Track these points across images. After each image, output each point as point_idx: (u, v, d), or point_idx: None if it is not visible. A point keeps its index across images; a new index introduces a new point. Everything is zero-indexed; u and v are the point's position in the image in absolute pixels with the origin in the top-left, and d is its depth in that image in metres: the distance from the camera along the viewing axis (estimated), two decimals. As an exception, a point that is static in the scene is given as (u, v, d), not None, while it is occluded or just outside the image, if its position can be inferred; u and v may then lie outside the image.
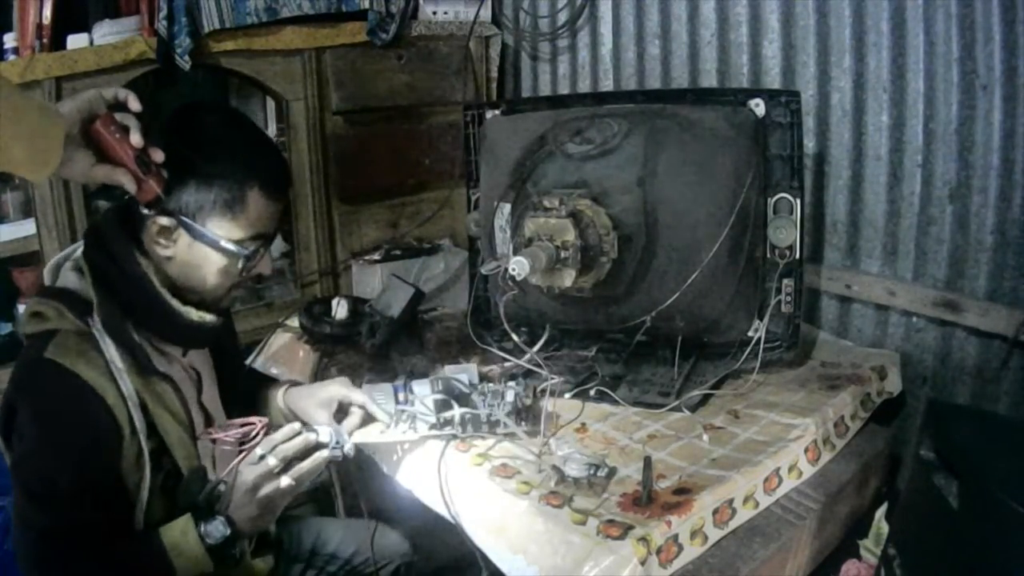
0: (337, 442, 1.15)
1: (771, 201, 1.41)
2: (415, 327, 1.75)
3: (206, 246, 1.07)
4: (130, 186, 0.99)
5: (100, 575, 1.00)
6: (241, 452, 1.09)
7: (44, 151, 0.89)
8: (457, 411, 1.25)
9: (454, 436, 1.25)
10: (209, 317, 1.12)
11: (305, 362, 1.72)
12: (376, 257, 2.09)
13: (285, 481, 1.06)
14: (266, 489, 1.06)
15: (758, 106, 1.40)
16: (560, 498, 1.10)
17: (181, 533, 1.01)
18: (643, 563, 0.98)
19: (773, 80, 1.75)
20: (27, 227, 1.77)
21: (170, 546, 1.00)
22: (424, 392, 1.29)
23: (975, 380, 1.50)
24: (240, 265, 1.09)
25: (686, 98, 1.49)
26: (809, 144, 1.66)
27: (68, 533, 0.97)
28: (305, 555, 1.43)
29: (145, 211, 1.04)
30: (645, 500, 1.08)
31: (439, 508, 1.23)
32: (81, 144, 0.95)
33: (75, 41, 1.73)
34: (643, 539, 1.00)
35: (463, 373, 1.38)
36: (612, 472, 1.16)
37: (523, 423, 1.27)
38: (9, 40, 1.69)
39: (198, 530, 1.01)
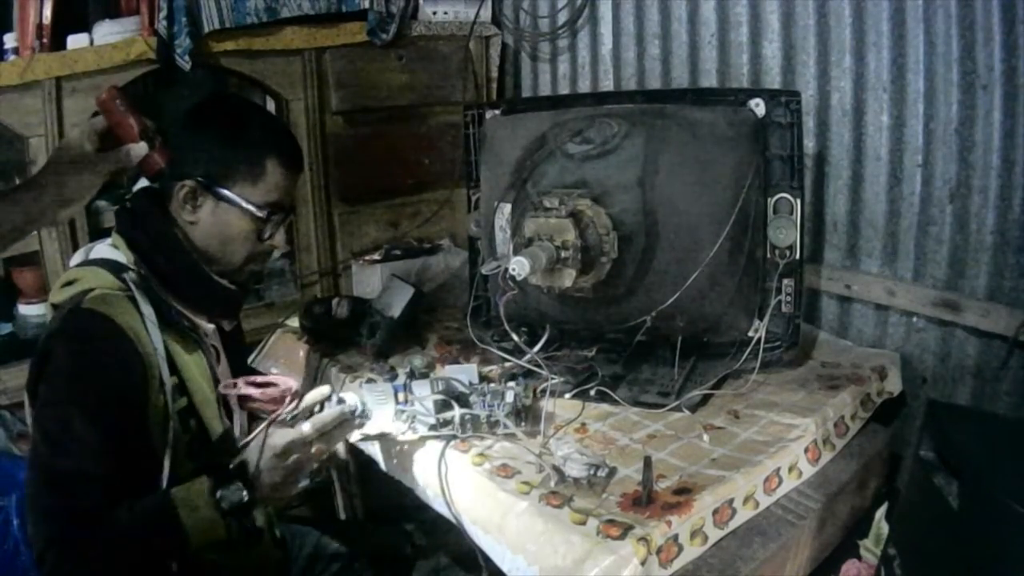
0: (363, 410, 1.18)
1: (771, 201, 1.41)
2: (415, 327, 1.75)
3: (230, 208, 1.15)
4: (138, 153, 1.07)
5: (106, 527, 0.96)
6: (272, 414, 1.11)
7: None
8: (457, 412, 1.25)
9: (454, 436, 1.25)
10: (234, 287, 1.20)
11: (305, 362, 1.73)
12: (376, 257, 2.09)
13: (316, 446, 1.08)
14: (296, 455, 1.06)
15: (758, 106, 1.40)
16: (560, 498, 1.10)
17: (196, 493, 0.99)
18: (643, 563, 0.98)
19: (773, 80, 1.75)
20: (27, 227, 1.77)
21: (181, 503, 0.97)
22: (424, 393, 1.29)
23: (975, 380, 1.50)
24: (259, 231, 1.17)
25: (686, 98, 1.49)
26: (809, 144, 1.66)
27: (78, 481, 0.95)
28: (306, 558, 1.43)
29: (177, 181, 1.13)
30: (645, 500, 1.08)
31: (439, 508, 1.24)
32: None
33: (75, 41, 1.73)
34: (643, 539, 1.00)
35: (463, 373, 1.38)
36: (612, 472, 1.16)
37: (523, 423, 1.27)
38: (9, 40, 1.70)
39: (215, 494, 0.99)
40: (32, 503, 0.97)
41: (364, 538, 1.47)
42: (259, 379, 1.24)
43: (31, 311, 1.91)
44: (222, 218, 1.16)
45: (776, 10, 1.71)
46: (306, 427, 1.07)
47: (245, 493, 1.00)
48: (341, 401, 1.17)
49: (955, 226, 1.49)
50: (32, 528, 0.95)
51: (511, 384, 1.33)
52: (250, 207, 1.15)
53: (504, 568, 1.12)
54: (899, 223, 1.59)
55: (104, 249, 1.15)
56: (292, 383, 1.22)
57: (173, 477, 1.03)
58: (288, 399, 1.16)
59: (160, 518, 0.97)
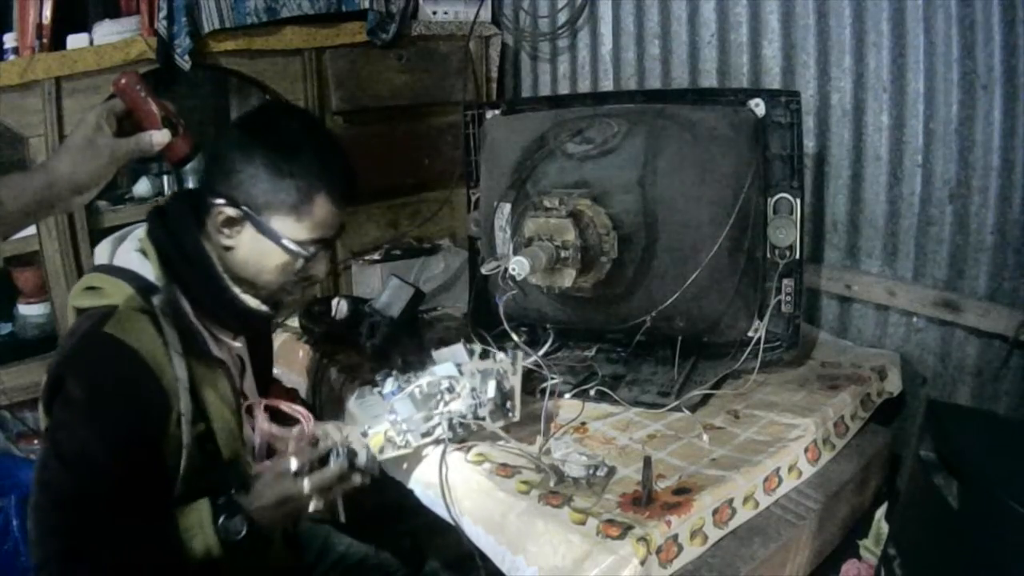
0: (370, 464, 1.17)
1: (771, 201, 1.41)
2: (415, 327, 1.75)
3: (269, 241, 1.09)
4: (160, 140, 1.00)
5: (109, 546, 0.97)
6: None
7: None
8: (442, 421, 1.22)
9: (449, 440, 1.24)
10: (265, 307, 1.15)
11: (305, 362, 1.73)
12: (376, 257, 2.09)
13: (313, 502, 1.09)
14: (292, 505, 1.08)
15: (758, 106, 1.40)
16: (560, 498, 1.10)
17: (198, 521, 1.01)
18: (643, 563, 0.98)
19: (773, 80, 1.75)
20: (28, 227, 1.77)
21: (184, 531, 1.00)
22: (407, 411, 1.24)
23: (975, 380, 1.50)
24: (298, 265, 1.12)
25: (686, 98, 1.49)
26: (809, 144, 1.66)
27: (87, 502, 0.95)
28: (314, 555, 1.43)
29: (216, 200, 1.07)
30: (645, 500, 1.08)
31: (439, 509, 1.23)
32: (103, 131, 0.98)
33: (75, 41, 1.73)
34: (643, 539, 1.00)
35: (451, 355, 1.34)
36: (612, 472, 1.16)
37: (511, 411, 1.23)
38: (9, 40, 1.70)
39: (216, 522, 1.01)
40: (37, 517, 0.96)
41: (367, 552, 1.47)
42: (282, 405, 1.22)
43: (31, 311, 1.91)
44: (260, 248, 1.09)
45: (776, 10, 1.71)
46: (305, 485, 1.07)
47: (245, 527, 1.02)
48: (352, 453, 1.15)
49: (955, 226, 1.49)
50: (35, 542, 0.96)
51: (499, 357, 1.27)
52: (291, 245, 1.09)
53: (504, 568, 1.11)
54: (899, 223, 1.59)
55: (133, 257, 1.08)
56: (309, 424, 1.21)
57: (184, 494, 1.04)
58: (302, 442, 1.16)
59: (163, 543, 0.99)
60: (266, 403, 1.26)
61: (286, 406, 1.26)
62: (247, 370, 1.23)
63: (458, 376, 1.27)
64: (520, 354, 1.32)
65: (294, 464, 1.09)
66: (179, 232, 1.08)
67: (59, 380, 0.98)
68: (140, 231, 1.11)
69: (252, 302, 1.12)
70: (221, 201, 1.07)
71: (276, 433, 1.22)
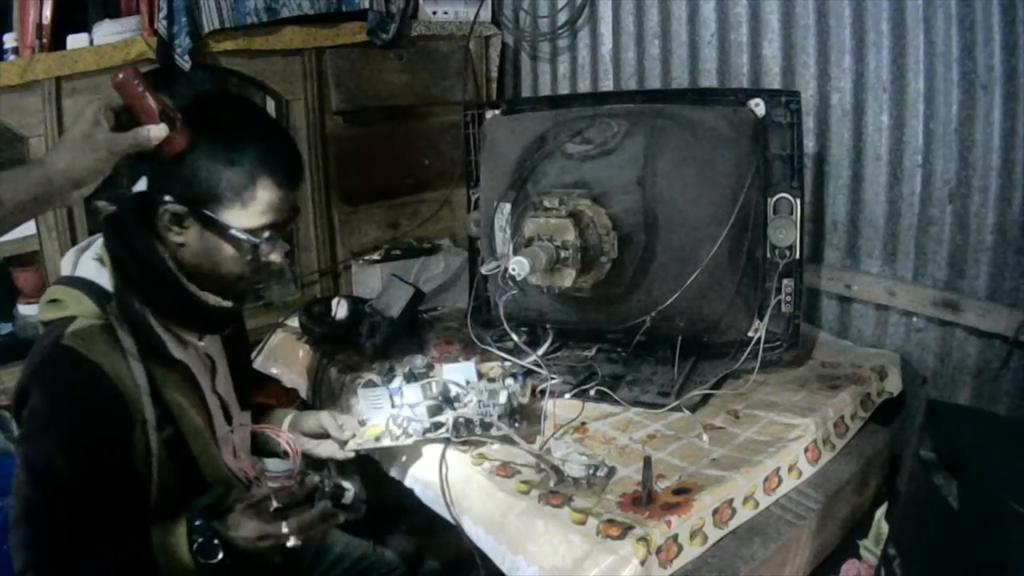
0: (355, 502, 1.11)
1: (771, 201, 1.41)
2: (415, 327, 1.75)
3: (216, 235, 1.07)
4: (158, 134, 1.00)
5: (79, 562, 0.96)
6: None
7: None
8: (450, 416, 1.24)
9: (448, 440, 1.25)
10: (225, 302, 1.13)
11: (305, 362, 1.72)
12: (376, 257, 2.09)
13: (292, 540, 1.03)
14: (271, 542, 1.03)
15: (758, 106, 1.40)
16: (560, 498, 1.10)
17: (173, 545, 0.98)
18: (643, 563, 0.98)
19: (773, 80, 1.75)
20: (27, 227, 1.77)
21: (159, 551, 0.98)
22: (416, 397, 1.27)
23: (975, 380, 1.50)
24: (253, 254, 1.10)
25: (686, 98, 1.49)
26: (809, 144, 1.66)
27: (52, 515, 0.96)
28: (311, 556, 1.43)
29: (162, 197, 1.05)
30: (645, 500, 1.08)
31: (439, 508, 1.23)
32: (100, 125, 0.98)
33: (75, 41, 1.73)
34: (643, 539, 1.00)
35: (461, 372, 1.37)
36: (612, 472, 1.16)
37: (517, 423, 1.26)
38: (9, 40, 1.69)
39: (191, 547, 0.98)
40: (12, 530, 0.97)
41: (365, 550, 1.47)
42: (268, 431, 1.21)
43: (31, 311, 1.91)
44: (211, 242, 1.07)
45: (776, 10, 1.71)
46: (285, 528, 1.02)
47: (221, 554, 0.99)
48: (338, 489, 1.08)
49: (955, 226, 1.49)
50: (12, 554, 0.96)
51: (508, 382, 1.31)
52: (239, 234, 1.07)
53: (504, 568, 1.11)
54: (899, 223, 1.59)
55: (91, 266, 1.08)
56: (297, 458, 1.19)
57: (161, 504, 1.03)
58: (286, 480, 1.13)
59: (136, 557, 0.98)
60: (252, 428, 1.25)
61: (272, 432, 1.24)
62: (219, 370, 1.22)
63: (467, 389, 1.29)
64: (531, 383, 1.36)
65: (274, 503, 1.04)
66: (131, 237, 1.06)
67: (24, 393, 0.99)
68: (101, 239, 1.10)
69: (211, 299, 1.10)
70: (168, 199, 1.05)
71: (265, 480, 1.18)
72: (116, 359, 1.00)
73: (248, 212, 1.07)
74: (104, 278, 1.06)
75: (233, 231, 1.07)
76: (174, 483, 1.05)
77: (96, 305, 1.03)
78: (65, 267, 1.11)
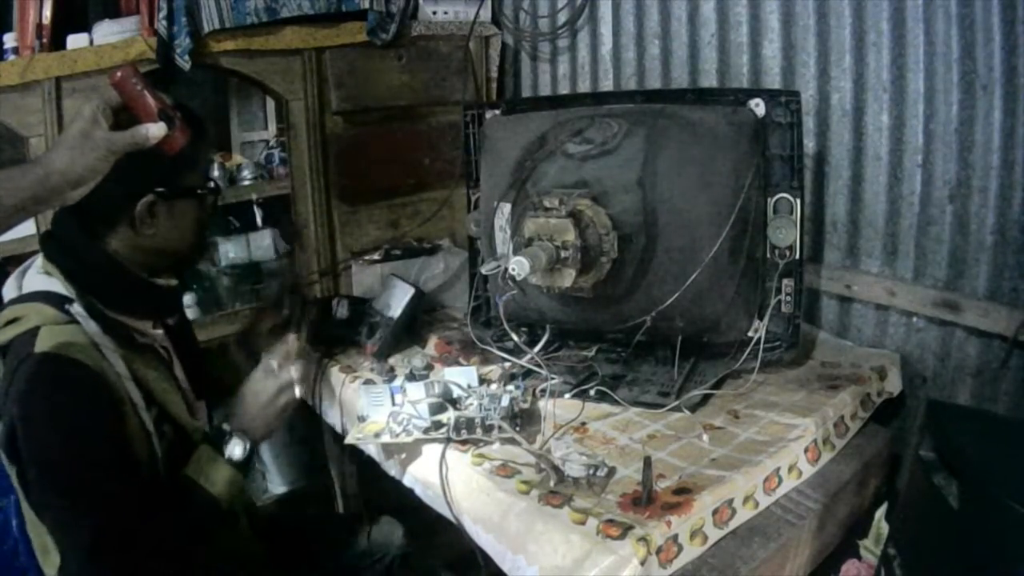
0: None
1: (771, 201, 1.42)
2: (415, 327, 1.75)
3: (186, 202, 1.18)
4: (157, 133, 1.01)
5: (165, 544, 1.03)
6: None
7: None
8: (452, 414, 1.25)
9: (448, 439, 1.25)
10: (173, 281, 1.23)
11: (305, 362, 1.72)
12: (376, 257, 2.09)
13: (299, 391, 1.21)
14: (283, 398, 1.19)
15: (758, 106, 1.40)
16: (560, 498, 1.10)
17: (206, 462, 1.11)
18: (643, 563, 0.98)
19: (773, 80, 1.74)
20: (26, 227, 1.76)
21: (198, 475, 1.09)
22: (419, 395, 1.28)
23: (975, 380, 1.50)
24: (205, 210, 1.23)
25: (686, 98, 1.49)
26: (809, 144, 1.66)
27: (112, 504, 0.99)
28: (305, 547, 1.44)
29: (129, 202, 1.13)
30: (645, 500, 1.08)
31: (439, 507, 1.23)
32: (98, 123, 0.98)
33: (75, 41, 1.72)
34: (643, 539, 1.00)
35: (462, 375, 1.38)
36: (612, 472, 1.16)
37: (519, 427, 1.26)
38: (9, 40, 1.69)
39: (221, 454, 1.12)
40: (83, 558, 0.99)
41: (362, 530, 1.48)
42: None
43: (31, 311, 1.90)
44: (180, 215, 1.18)
45: (776, 10, 1.71)
46: (293, 371, 1.20)
47: (247, 441, 1.13)
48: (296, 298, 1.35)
49: (955, 226, 1.49)
50: (63, 534, 1.01)
51: (509, 388, 1.32)
52: (203, 192, 1.21)
53: (504, 568, 1.12)
54: (899, 223, 1.59)
55: (38, 280, 1.11)
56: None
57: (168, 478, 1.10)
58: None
59: (200, 504, 1.08)
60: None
61: None
62: (175, 360, 1.26)
63: (468, 392, 1.29)
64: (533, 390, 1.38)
65: (275, 361, 1.20)
66: (72, 244, 1.13)
67: (14, 424, 0.99)
68: (39, 259, 1.15)
69: (161, 281, 1.20)
70: (148, 197, 1.13)
71: None
72: (95, 354, 1.04)
73: (198, 172, 1.22)
74: (56, 285, 1.09)
75: (200, 191, 1.21)
76: (166, 456, 1.11)
77: (57, 310, 1.05)
78: (9, 292, 1.13)
